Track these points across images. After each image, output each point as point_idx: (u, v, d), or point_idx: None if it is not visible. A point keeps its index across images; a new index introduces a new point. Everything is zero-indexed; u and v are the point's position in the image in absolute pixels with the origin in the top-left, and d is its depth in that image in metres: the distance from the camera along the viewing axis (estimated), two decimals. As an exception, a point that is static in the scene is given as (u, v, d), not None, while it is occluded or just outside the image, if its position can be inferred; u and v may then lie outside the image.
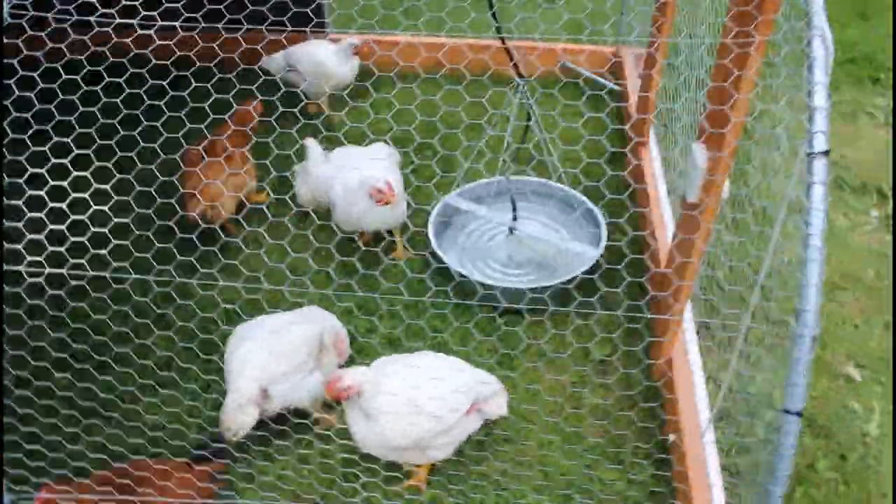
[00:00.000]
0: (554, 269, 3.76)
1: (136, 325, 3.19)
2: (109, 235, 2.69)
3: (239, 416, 2.86)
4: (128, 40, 2.98)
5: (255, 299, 3.59)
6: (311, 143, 4.01)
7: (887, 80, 5.34)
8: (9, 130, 2.62)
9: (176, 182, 3.80)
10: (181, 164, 3.87)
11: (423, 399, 2.70)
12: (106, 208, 2.67)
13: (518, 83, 3.63)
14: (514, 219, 3.76)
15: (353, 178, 3.65)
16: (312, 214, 3.95)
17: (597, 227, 3.80)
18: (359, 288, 3.67)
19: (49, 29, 2.93)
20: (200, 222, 3.68)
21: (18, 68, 2.50)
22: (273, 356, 2.91)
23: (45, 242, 2.53)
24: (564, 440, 3.15)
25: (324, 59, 4.65)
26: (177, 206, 3.05)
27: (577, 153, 4.11)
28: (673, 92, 4.10)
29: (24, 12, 2.40)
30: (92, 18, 2.81)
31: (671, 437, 2.99)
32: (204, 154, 3.82)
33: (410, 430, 2.69)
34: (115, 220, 2.79)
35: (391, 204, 3.53)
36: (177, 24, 2.97)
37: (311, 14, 4.76)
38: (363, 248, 3.89)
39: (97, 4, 2.80)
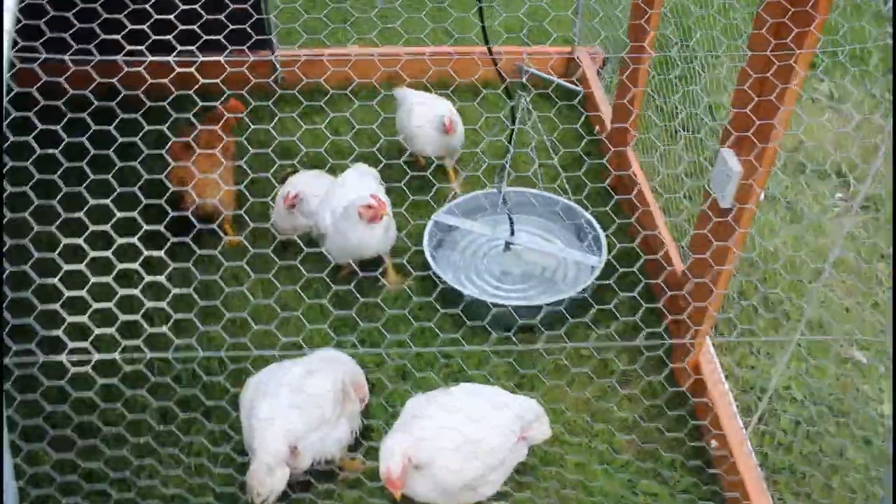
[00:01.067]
0: (555, 280, 3.67)
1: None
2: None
3: (268, 480, 2.63)
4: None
5: (242, 343, 3.33)
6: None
7: (830, 65, 5.50)
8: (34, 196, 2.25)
9: (164, 180, 3.63)
10: (169, 160, 3.70)
11: (473, 441, 2.56)
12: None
13: (520, 95, 3.51)
14: (512, 233, 3.65)
15: (340, 205, 3.46)
16: (298, 241, 3.73)
17: (587, 235, 3.75)
18: (360, 320, 3.48)
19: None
20: (196, 221, 3.44)
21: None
22: (300, 412, 2.70)
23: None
24: (599, 459, 3.07)
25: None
26: (166, 205, 2.70)
27: (552, 160, 4.05)
28: (646, 98, 4.11)
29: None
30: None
31: (713, 444, 2.94)
32: (193, 145, 3.64)
33: (465, 473, 2.55)
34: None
35: (384, 217, 3.39)
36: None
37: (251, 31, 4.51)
38: (360, 275, 3.70)
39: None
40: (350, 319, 3.46)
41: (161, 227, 2.40)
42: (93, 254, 2.14)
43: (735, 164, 2.57)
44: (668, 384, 3.27)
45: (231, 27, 3.10)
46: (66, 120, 2.26)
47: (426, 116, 4.04)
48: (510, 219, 3.60)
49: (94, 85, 2.84)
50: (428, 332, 3.43)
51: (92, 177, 2.36)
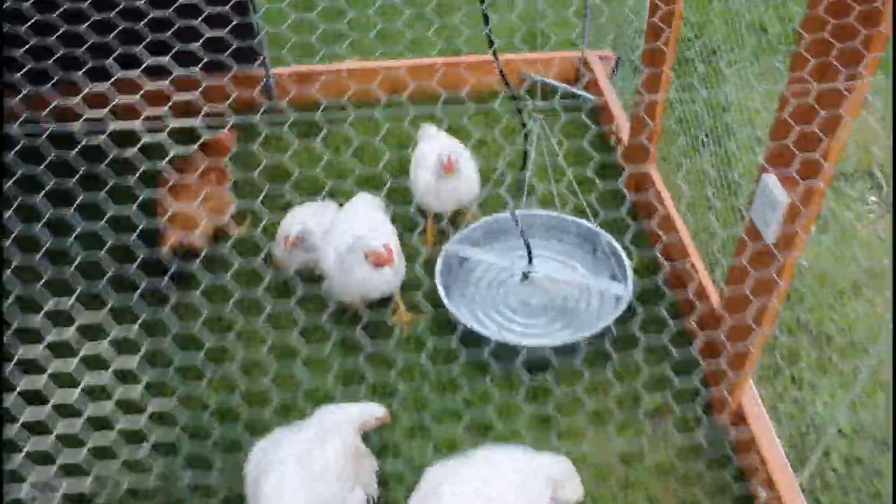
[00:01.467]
0: (577, 310, 3.42)
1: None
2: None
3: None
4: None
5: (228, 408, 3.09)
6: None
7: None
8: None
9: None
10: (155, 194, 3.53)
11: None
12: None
13: (537, 118, 3.25)
14: (530, 261, 3.39)
15: (344, 241, 3.20)
16: (296, 278, 3.48)
17: (612, 261, 3.50)
18: (370, 368, 3.23)
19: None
20: (172, 261, 3.35)
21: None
22: (311, 484, 2.45)
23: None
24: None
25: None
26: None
27: (566, 180, 3.80)
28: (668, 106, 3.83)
29: None
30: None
31: (763, 495, 2.70)
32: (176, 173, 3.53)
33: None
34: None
35: (391, 265, 3.12)
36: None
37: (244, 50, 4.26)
38: (365, 318, 3.44)
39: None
40: (358, 370, 3.22)
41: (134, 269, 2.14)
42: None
43: (780, 194, 2.31)
44: (705, 417, 3.03)
45: (224, 46, 2.87)
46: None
47: (425, 157, 3.65)
48: (527, 246, 3.34)
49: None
50: (447, 380, 3.18)
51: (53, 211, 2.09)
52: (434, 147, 3.63)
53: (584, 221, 3.61)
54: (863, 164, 4.37)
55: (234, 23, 2.58)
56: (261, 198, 2.67)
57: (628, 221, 3.78)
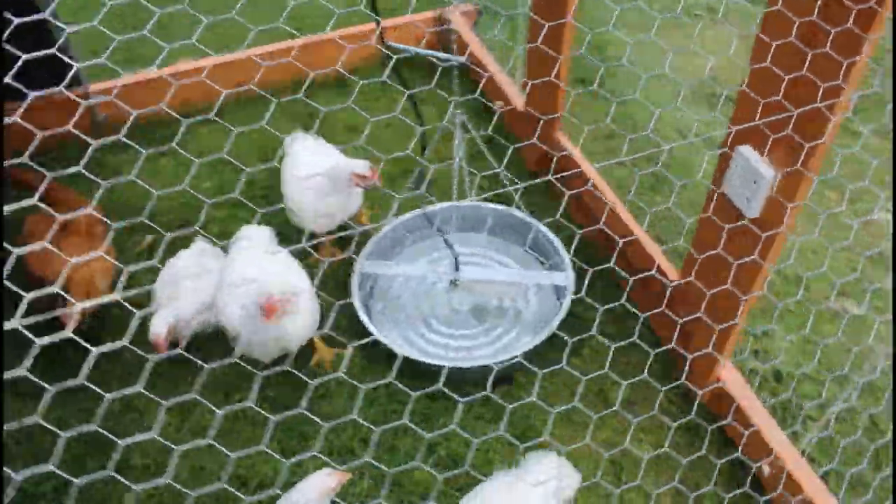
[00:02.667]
0: (518, 309, 3.11)
1: None
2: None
3: None
4: None
5: None
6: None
7: None
8: None
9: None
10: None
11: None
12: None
13: (456, 114, 2.83)
14: (457, 268, 3.03)
15: (248, 293, 2.68)
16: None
17: (539, 249, 3.20)
18: (309, 424, 2.78)
19: None
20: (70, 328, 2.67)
21: None
22: None
23: None
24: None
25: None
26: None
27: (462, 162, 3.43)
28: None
29: None
30: None
31: (766, 469, 2.54)
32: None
33: None
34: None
35: (286, 314, 2.57)
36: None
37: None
38: (287, 369, 2.95)
39: None
40: (296, 429, 2.76)
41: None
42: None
43: (764, 168, 2.06)
44: (684, 402, 2.85)
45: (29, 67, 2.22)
46: None
47: (299, 169, 3.08)
48: (452, 251, 2.96)
49: None
50: (394, 415, 2.80)
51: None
52: (306, 156, 3.14)
53: (503, 207, 3.27)
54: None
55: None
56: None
57: (543, 199, 3.49)
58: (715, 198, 2.30)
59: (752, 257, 2.21)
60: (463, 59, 4.06)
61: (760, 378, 2.94)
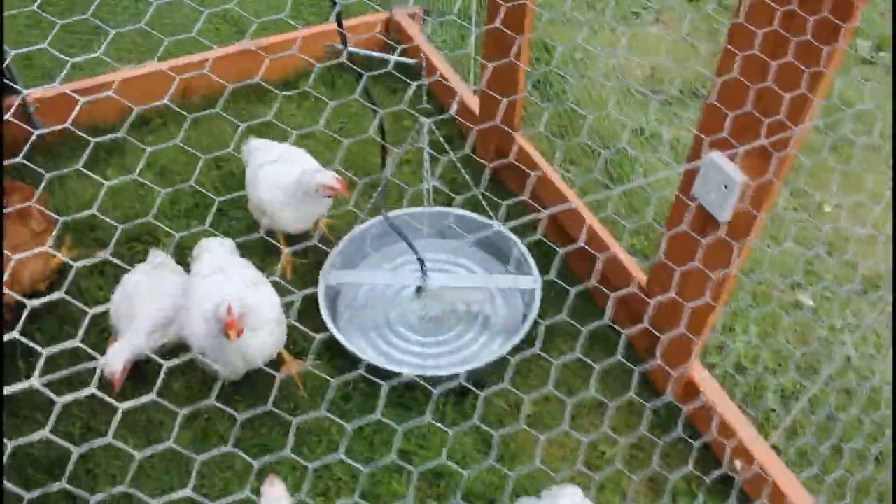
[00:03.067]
0: (486, 314, 3.12)
1: None
2: None
3: None
4: None
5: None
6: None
7: None
8: None
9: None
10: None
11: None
12: None
13: (423, 122, 2.80)
14: (424, 273, 3.01)
15: (210, 306, 2.62)
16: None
17: (508, 251, 3.21)
18: (277, 443, 2.74)
19: None
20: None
21: None
22: None
23: None
24: (614, 516, 2.66)
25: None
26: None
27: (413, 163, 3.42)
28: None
29: None
30: None
31: (739, 465, 2.61)
32: None
33: None
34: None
35: (239, 333, 2.45)
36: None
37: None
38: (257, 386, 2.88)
39: None
40: (264, 444, 2.72)
41: None
42: None
43: (735, 174, 2.11)
44: (650, 395, 2.91)
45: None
46: None
47: (264, 170, 3.07)
48: (420, 260, 2.95)
49: None
50: (369, 430, 2.77)
51: None
52: (271, 157, 3.09)
53: (465, 212, 3.26)
54: (687, 84, 4.39)
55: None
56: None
57: (502, 200, 3.50)
58: (685, 202, 2.34)
59: (723, 251, 2.26)
60: (413, 61, 4.05)
61: (723, 372, 3.01)
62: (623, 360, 1.86)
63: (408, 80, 4.07)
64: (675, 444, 2.79)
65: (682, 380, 2.74)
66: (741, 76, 1.97)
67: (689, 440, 2.79)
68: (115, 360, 2.61)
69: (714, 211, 2.22)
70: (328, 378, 2.88)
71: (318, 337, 1.53)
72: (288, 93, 4.05)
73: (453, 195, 3.50)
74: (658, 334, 2.47)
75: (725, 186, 2.14)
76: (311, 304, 3.12)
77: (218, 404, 1.54)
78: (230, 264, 2.81)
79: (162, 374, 1.42)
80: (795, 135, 1.88)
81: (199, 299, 2.62)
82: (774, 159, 1.94)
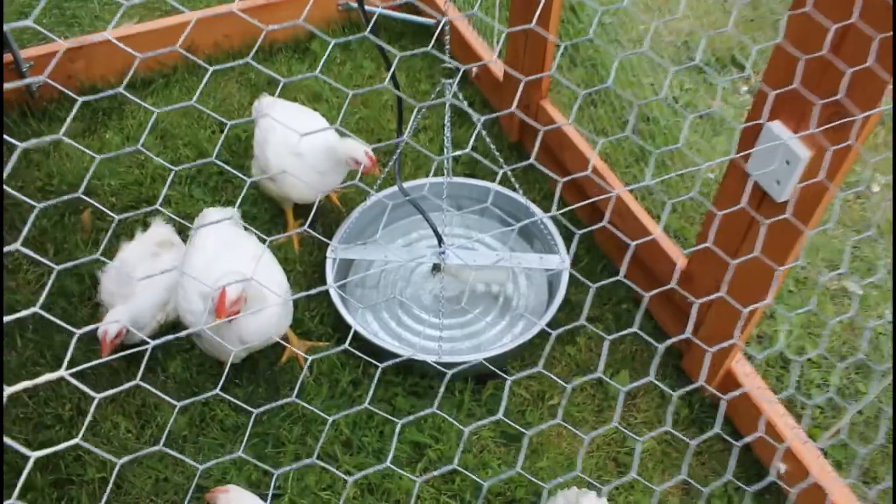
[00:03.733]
0: (508, 295, 2.89)
1: None
2: None
3: None
4: None
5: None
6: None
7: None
8: None
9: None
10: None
11: None
12: None
13: (445, 83, 2.56)
14: (442, 249, 2.77)
15: (211, 281, 2.40)
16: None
17: (526, 230, 2.98)
18: (274, 437, 2.53)
19: None
20: None
21: None
22: None
23: None
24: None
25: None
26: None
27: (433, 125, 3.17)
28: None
29: None
30: None
31: (783, 469, 2.39)
32: None
33: None
34: None
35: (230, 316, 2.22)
36: None
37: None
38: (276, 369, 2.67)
39: None
40: (270, 434, 2.51)
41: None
42: None
43: (799, 147, 1.86)
44: (689, 394, 2.67)
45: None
46: None
47: (275, 131, 2.80)
48: (437, 235, 2.71)
49: None
50: (377, 415, 2.56)
51: None
52: (284, 119, 2.85)
53: (482, 182, 3.03)
54: (724, 52, 4.11)
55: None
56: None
57: (524, 171, 3.25)
58: (735, 179, 2.09)
59: (780, 242, 2.02)
60: (433, 21, 3.78)
61: (764, 363, 2.78)
62: (652, 343, 1.63)
63: (426, 44, 3.81)
64: (712, 442, 2.56)
65: (722, 372, 2.51)
66: (816, 9, 1.68)
67: (728, 438, 2.56)
68: (111, 324, 2.42)
69: (770, 190, 1.97)
70: (336, 362, 2.67)
71: (322, 341, 1.31)
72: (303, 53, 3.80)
73: (475, 165, 3.26)
74: (694, 323, 2.25)
75: (788, 162, 1.89)
76: (318, 280, 2.91)
77: (218, 392, 1.32)
78: (233, 236, 2.59)
79: (148, 354, 1.20)
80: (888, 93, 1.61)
81: (196, 274, 2.40)
82: (855, 127, 1.68)
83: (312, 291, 1.06)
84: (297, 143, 2.67)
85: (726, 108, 3.83)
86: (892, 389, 2.68)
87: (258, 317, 2.36)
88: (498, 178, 1.58)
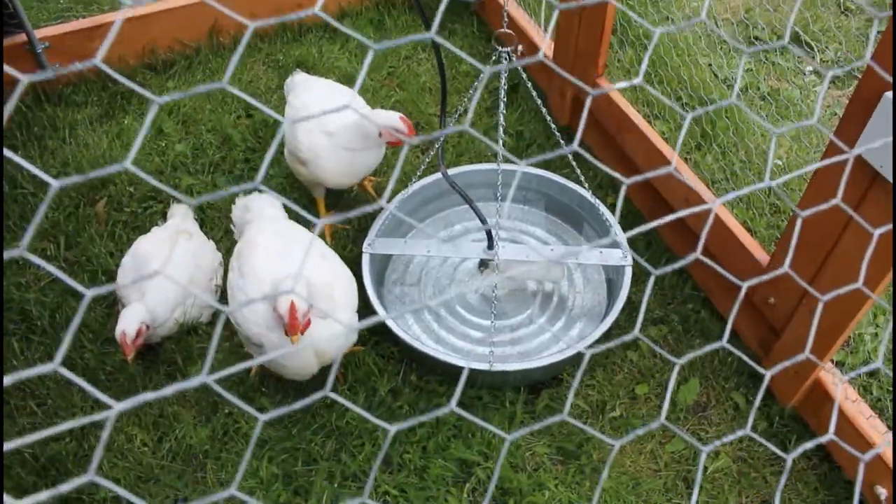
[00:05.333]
0: (563, 294, 2.62)
1: None
2: None
3: None
4: None
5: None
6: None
7: None
8: None
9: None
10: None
11: None
12: None
13: (499, 52, 2.29)
14: (490, 245, 2.51)
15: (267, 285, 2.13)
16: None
17: (588, 221, 2.70)
18: (317, 451, 2.27)
19: None
20: None
21: None
22: None
23: None
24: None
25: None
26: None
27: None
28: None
29: None
30: None
31: (883, 494, 2.10)
32: None
33: None
34: None
35: (299, 333, 1.97)
36: None
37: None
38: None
39: None
40: (301, 448, 2.26)
41: None
42: None
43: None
44: (768, 406, 2.38)
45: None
46: None
47: (308, 110, 2.59)
48: (486, 228, 2.44)
49: None
50: (420, 428, 2.30)
51: None
52: (315, 96, 2.60)
53: (537, 170, 2.75)
54: (778, 30, 3.79)
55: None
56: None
57: (575, 158, 2.97)
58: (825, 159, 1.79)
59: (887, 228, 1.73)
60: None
61: (847, 370, 2.49)
62: (729, 349, 1.36)
63: (468, 20, 3.54)
64: (794, 460, 2.28)
65: (808, 383, 2.22)
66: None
67: (811, 457, 2.28)
68: (129, 321, 2.19)
69: (884, 169, 1.68)
70: (374, 368, 2.41)
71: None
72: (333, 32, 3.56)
73: (523, 150, 2.99)
74: (777, 328, 1.96)
75: (907, 138, 1.60)
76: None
77: (239, 403, 1.07)
78: (291, 230, 2.34)
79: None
80: None
81: (258, 275, 2.13)
82: None
83: (367, 322, 0.81)
84: (326, 121, 2.42)
85: (790, 89, 3.52)
86: (893, 386, 2.39)
87: (330, 324, 2.09)
88: (570, 158, 1.31)
